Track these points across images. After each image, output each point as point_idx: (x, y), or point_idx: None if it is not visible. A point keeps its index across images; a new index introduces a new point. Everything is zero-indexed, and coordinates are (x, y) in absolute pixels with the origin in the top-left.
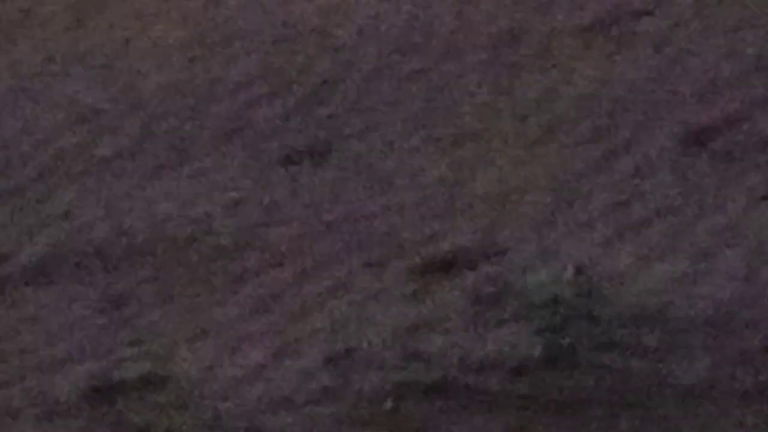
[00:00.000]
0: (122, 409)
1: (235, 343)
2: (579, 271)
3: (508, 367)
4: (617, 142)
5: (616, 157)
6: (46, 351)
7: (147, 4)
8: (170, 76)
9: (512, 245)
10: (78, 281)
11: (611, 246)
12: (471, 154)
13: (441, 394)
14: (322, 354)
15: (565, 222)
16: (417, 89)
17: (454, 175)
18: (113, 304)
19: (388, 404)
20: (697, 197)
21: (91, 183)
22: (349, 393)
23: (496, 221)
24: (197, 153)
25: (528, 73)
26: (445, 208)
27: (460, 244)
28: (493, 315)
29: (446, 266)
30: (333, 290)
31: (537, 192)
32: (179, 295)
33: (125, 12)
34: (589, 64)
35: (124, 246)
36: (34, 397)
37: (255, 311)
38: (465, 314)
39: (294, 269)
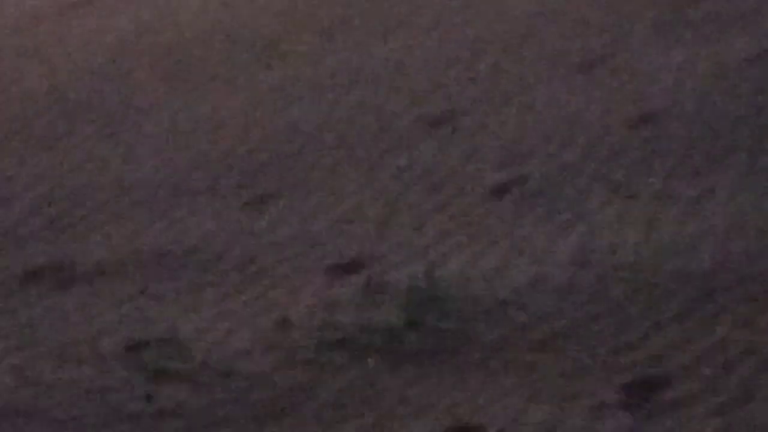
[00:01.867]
0: (149, 359)
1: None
2: (429, 270)
3: (384, 329)
4: None
5: None
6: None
7: None
8: None
9: (392, 252)
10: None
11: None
12: None
13: (344, 346)
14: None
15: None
16: None
17: None
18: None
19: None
20: None
21: None
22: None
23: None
24: None
25: None
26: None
27: (361, 252)
28: (377, 298)
29: (352, 267)
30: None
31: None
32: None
33: None
34: None
35: None
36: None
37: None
38: (360, 295)
39: None
